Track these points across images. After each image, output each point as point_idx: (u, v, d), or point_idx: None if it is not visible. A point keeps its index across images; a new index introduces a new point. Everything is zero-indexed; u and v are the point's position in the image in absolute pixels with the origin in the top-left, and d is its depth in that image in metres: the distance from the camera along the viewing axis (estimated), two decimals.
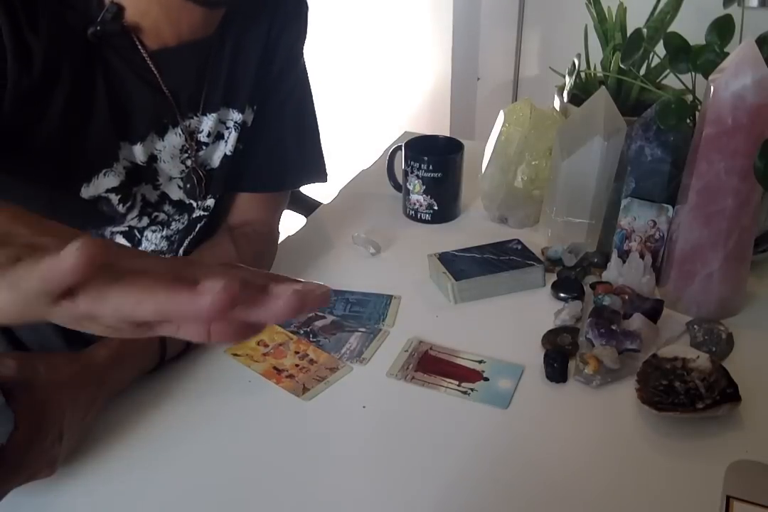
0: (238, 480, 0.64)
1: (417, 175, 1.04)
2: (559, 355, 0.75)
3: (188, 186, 0.85)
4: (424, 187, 1.04)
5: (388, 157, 1.12)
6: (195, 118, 0.83)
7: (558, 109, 1.14)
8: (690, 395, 0.68)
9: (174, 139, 0.82)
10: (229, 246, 0.87)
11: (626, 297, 0.83)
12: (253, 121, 0.89)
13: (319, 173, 0.98)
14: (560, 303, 0.85)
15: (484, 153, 1.05)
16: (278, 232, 0.96)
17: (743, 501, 0.59)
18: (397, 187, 1.12)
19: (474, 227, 1.06)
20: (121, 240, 0.85)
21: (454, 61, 2.17)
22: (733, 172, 0.75)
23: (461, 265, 0.89)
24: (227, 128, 0.87)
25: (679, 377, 0.71)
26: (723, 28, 0.81)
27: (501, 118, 1.03)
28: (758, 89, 0.71)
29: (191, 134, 0.83)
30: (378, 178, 1.16)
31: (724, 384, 0.68)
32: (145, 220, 0.85)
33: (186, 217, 0.89)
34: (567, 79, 1.09)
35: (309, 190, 1.25)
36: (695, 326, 0.79)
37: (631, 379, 0.72)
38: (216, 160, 0.87)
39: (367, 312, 0.86)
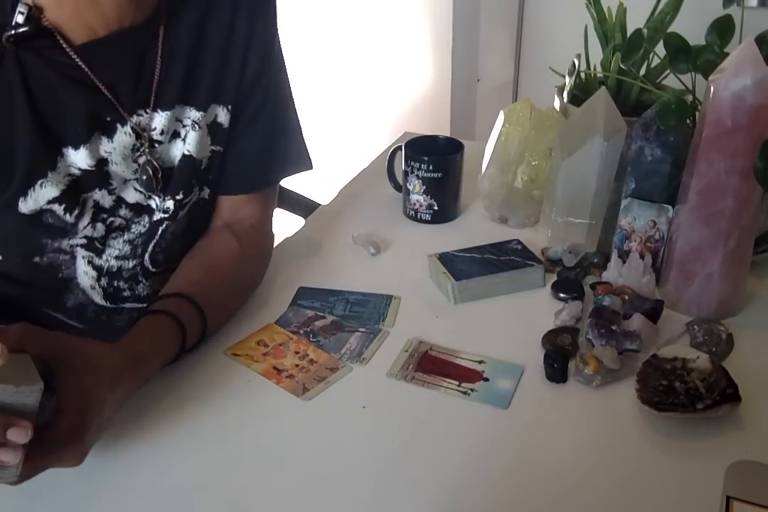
0: (238, 480, 0.64)
1: (417, 175, 1.04)
2: (559, 355, 0.75)
3: (144, 177, 0.81)
4: (424, 187, 1.04)
5: (388, 157, 1.12)
6: (145, 114, 0.79)
7: (558, 109, 1.14)
8: (690, 395, 0.68)
9: (123, 138, 0.78)
10: (232, 242, 0.86)
11: (626, 297, 0.83)
12: (231, 122, 0.86)
13: (303, 161, 0.94)
14: (560, 304, 0.85)
15: (484, 153, 1.05)
16: (272, 231, 0.95)
17: (743, 501, 0.59)
18: (397, 187, 1.12)
19: (474, 227, 1.06)
20: (83, 252, 0.82)
21: (454, 61, 2.17)
22: (733, 172, 0.75)
23: (461, 265, 0.89)
24: (184, 127, 0.82)
25: (679, 377, 0.71)
26: (723, 28, 0.81)
27: (501, 118, 1.03)
28: (758, 89, 0.71)
29: (143, 131, 0.80)
30: (378, 178, 1.16)
31: (724, 385, 0.68)
32: (101, 229, 0.81)
33: (146, 219, 0.85)
34: (567, 79, 1.09)
35: (308, 190, 1.25)
36: (695, 326, 0.79)
37: (631, 379, 0.72)
38: (174, 160, 0.84)
39: (367, 313, 0.86)
